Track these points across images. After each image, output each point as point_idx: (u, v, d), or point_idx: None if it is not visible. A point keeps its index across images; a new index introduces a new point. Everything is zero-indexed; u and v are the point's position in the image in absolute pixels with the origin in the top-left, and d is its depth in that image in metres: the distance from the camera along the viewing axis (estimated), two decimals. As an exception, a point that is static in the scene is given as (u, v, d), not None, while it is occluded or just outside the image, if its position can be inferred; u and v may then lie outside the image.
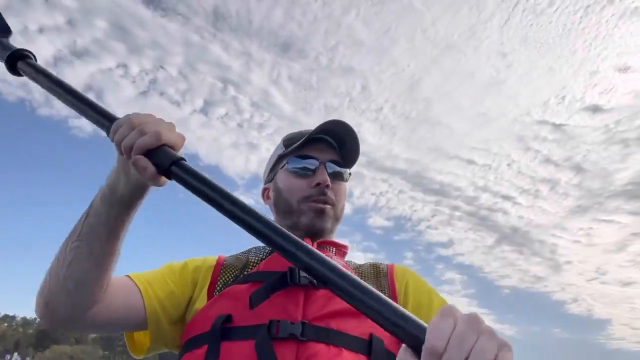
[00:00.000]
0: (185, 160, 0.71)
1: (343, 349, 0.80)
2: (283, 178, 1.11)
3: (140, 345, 0.98)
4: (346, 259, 1.10)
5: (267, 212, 1.19)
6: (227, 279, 0.99)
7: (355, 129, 1.08)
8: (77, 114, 0.81)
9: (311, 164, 1.07)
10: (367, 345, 0.82)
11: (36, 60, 0.90)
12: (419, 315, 0.73)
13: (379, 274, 1.04)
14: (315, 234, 1.05)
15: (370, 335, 0.83)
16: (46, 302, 0.83)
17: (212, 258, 1.06)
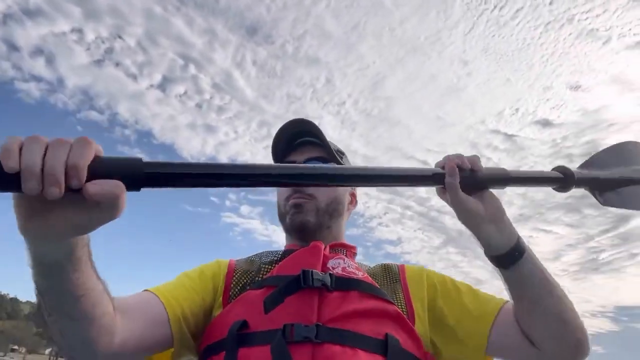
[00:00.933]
0: (142, 159, 0.57)
1: (359, 350, 0.80)
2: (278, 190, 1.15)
3: None
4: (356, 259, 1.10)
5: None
6: (242, 285, 0.99)
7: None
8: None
9: None
10: (383, 346, 0.81)
11: None
12: (451, 302, 0.95)
13: (392, 278, 1.02)
14: (298, 229, 1.05)
15: (386, 335, 0.83)
16: (71, 358, 0.78)
17: (224, 262, 1.06)
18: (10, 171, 0.47)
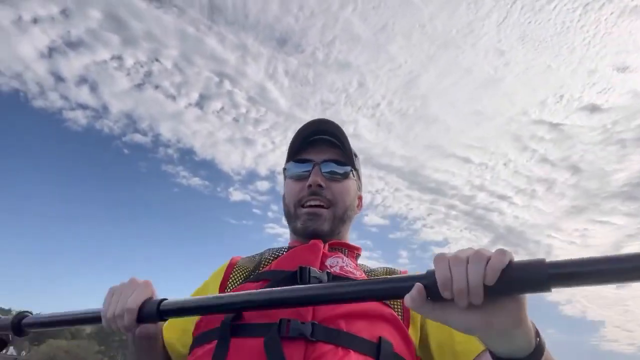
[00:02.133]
0: (166, 299, 0.86)
1: (351, 351, 0.79)
2: (285, 185, 1.13)
3: None
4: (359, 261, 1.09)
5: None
6: (239, 278, 1.01)
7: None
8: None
9: (306, 166, 1.07)
10: (376, 348, 0.81)
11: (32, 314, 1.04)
12: (439, 325, 0.79)
13: None
14: (310, 236, 1.03)
15: (380, 339, 0.82)
16: None
17: (226, 262, 1.09)
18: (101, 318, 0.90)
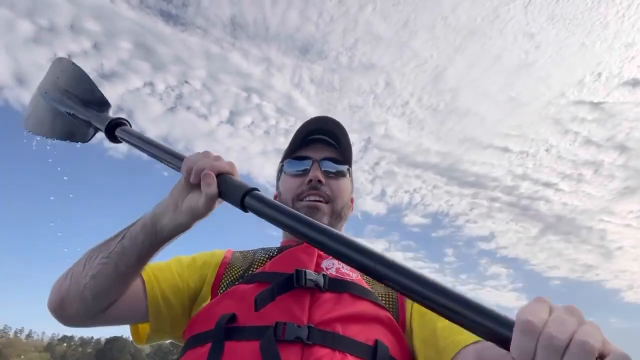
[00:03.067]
0: (259, 190, 0.78)
1: (348, 354, 0.79)
2: (283, 181, 1.15)
3: (143, 333, 1.02)
4: None
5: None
6: (233, 277, 1.00)
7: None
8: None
9: (306, 164, 1.11)
10: (372, 352, 0.81)
11: (130, 126, 1.05)
12: (423, 323, 0.89)
13: None
14: None
15: (376, 342, 0.82)
16: (61, 300, 0.89)
17: (220, 253, 1.08)
18: (183, 170, 0.85)
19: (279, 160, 1.23)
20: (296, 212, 0.73)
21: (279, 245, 1.12)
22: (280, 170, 1.19)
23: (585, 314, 0.48)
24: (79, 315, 0.90)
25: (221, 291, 0.96)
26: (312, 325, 0.81)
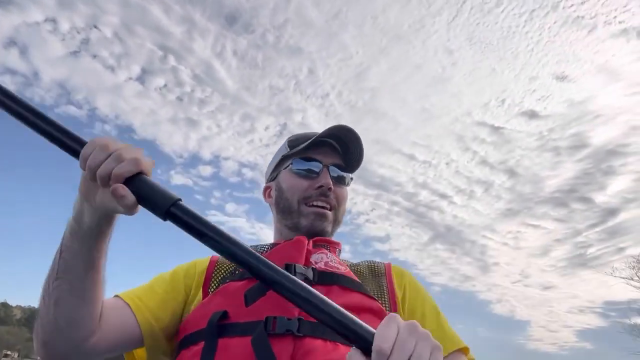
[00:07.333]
0: (182, 200, 0.70)
1: (339, 344, 0.81)
2: (286, 178, 1.13)
3: (138, 357, 0.99)
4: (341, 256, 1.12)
5: (266, 209, 1.23)
6: (222, 276, 1.00)
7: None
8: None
9: (315, 166, 1.11)
10: None
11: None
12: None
13: (377, 273, 1.06)
14: (315, 235, 1.06)
15: None
16: (44, 343, 0.84)
17: (203, 260, 1.06)
18: (82, 167, 0.70)
19: (281, 150, 1.19)
20: (218, 227, 0.68)
21: (269, 243, 1.12)
22: (281, 163, 1.18)
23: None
24: (65, 349, 0.83)
25: (212, 291, 0.96)
26: (303, 318, 0.82)
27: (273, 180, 1.19)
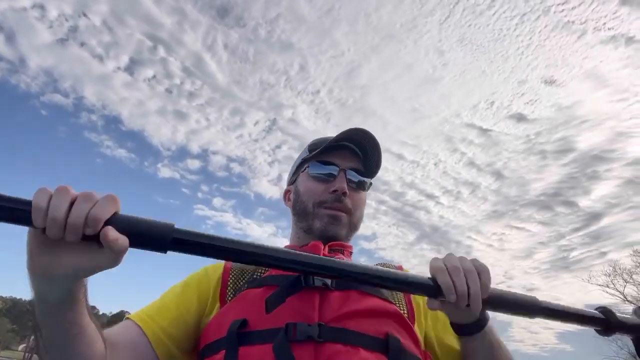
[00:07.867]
0: (175, 224, 0.64)
1: (361, 348, 0.81)
2: (303, 181, 1.13)
3: None
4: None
5: (286, 212, 1.22)
6: (239, 283, 0.98)
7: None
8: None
9: (332, 169, 1.10)
10: (384, 345, 0.83)
11: None
12: (436, 321, 0.98)
13: None
14: (328, 239, 1.05)
15: (387, 335, 0.84)
16: None
17: (215, 266, 1.04)
18: (39, 227, 0.57)
19: (302, 154, 1.19)
20: (218, 235, 0.66)
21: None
22: (300, 167, 1.18)
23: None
24: None
25: (229, 298, 0.95)
26: (323, 323, 0.82)
27: (292, 183, 1.19)
